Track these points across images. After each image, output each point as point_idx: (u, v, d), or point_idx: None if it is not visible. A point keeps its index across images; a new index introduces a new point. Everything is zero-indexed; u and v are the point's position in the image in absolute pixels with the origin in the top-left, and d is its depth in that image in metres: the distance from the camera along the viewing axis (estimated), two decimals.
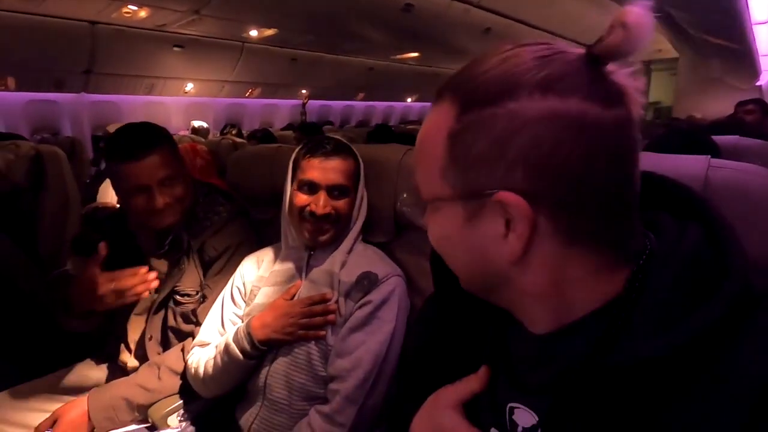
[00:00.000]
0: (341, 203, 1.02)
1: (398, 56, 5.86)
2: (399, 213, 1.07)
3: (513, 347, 0.49)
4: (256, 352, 0.99)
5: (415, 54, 5.75)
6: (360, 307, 0.97)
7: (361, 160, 1.07)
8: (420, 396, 0.55)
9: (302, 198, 1.01)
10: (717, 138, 1.30)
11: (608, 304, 0.40)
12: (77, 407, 1.06)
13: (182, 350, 1.15)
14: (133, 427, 1.11)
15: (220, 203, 1.23)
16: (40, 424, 1.06)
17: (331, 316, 0.98)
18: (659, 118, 6.71)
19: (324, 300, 0.99)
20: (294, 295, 1.02)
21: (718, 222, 0.41)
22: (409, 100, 8.96)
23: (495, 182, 0.39)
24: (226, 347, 1.00)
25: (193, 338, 1.14)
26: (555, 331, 0.43)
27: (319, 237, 1.02)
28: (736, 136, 1.39)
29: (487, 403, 0.49)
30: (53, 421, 1.05)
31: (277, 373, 1.01)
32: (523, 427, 0.45)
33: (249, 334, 0.99)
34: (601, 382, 0.39)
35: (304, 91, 6.63)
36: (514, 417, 0.46)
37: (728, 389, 0.34)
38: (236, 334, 1.00)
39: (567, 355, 0.42)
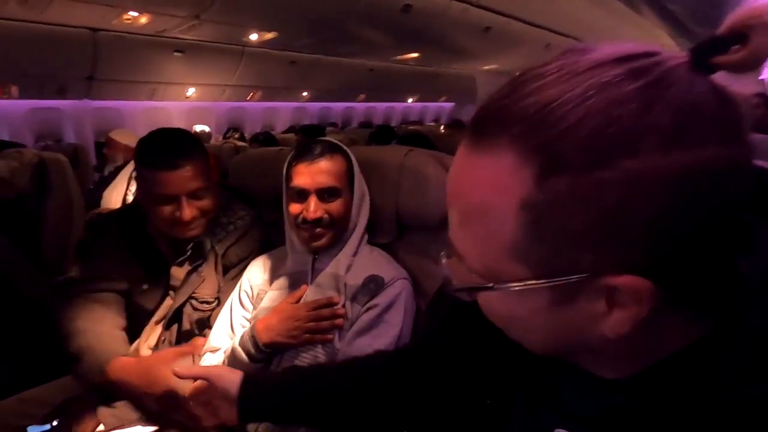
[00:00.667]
0: (333, 205, 1.00)
1: (398, 57, 5.86)
2: (401, 213, 1.07)
3: (561, 379, 0.42)
4: (261, 355, 0.99)
5: (416, 54, 5.75)
6: (367, 311, 0.97)
7: (354, 160, 1.05)
8: (426, 388, 0.53)
9: (294, 206, 1.00)
10: None
11: (692, 344, 0.34)
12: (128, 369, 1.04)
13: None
14: (140, 428, 1.11)
15: (242, 208, 1.23)
16: None
17: (339, 320, 0.97)
18: None
19: (331, 304, 0.99)
20: (299, 299, 1.02)
21: None
22: (410, 100, 8.97)
23: (604, 265, 0.30)
24: (233, 351, 1.00)
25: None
26: (622, 379, 0.37)
27: (316, 242, 1.01)
28: None
29: (530, 427, 0.44)
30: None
31: None
32: None
33: (254, 337, 0.98)
34: (681, 421, 0.33)
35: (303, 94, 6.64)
36: None
37: None
38: (242, 337, 1.00)
39: (643, 393, 0.36)
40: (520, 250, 0.32)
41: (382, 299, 0.97)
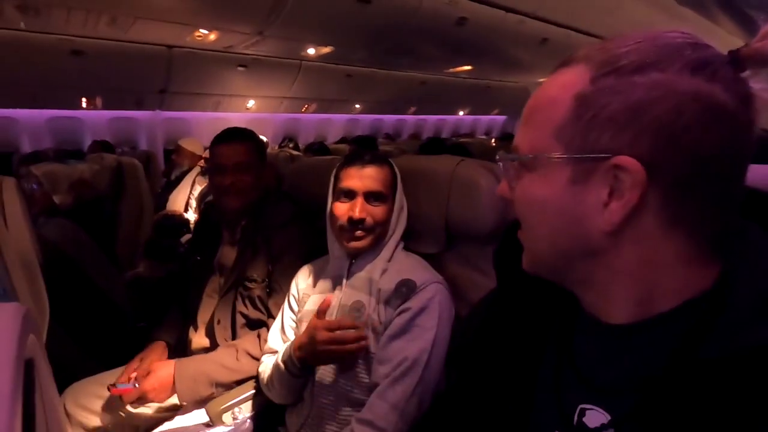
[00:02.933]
0: (378, 210, 1.04)
1: (451, 69, 5.85)
2: (450, 223, 1.07)
3: (582, 344, 0.48)
4: (300, 372, 1.02)
5: (468, 67, 5.72)
6: (399, 314, 0.97)
7: (397, 171, 1.09)
8: (471, 390, 0.54)
9: (340, 206, 1.04)
10: None
11: (698, 298, 0.39)
12: (166, 368, 1.17)
13: (258, 336, 1.24)
14: (192, 422, 1.18)
15: (287, 206, 1.38)
16: (129, 365, 1.22)
17: (363, 343, 0.97)
18: None
19: (354, 327, 0.99)
20: (324, 312, 1.02)
21: None
22: (461, 113, 8.90)
23: (617, 146, 0.39)
24: (278, 366, 1.05)
25: (267, 327, 1.22)
26: (636, 323, 0.42)
27: (357, 243, 1.04)
28: None
29: (552, 403, 0.48)
30: (138, 368, 1.21)
31: (323, 380, 1.03)
32: (593, 428, 0.43)
33: (290, 355, 1.03)
34: (692, 377, 0.37)
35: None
36: (584, 419, 0.44)
37: None
38: (285, 352, 1.05)
39: (650, 348, 0.41)
40: (562, 129, 0.41)
41: (414, 303, 0.96)
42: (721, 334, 0.37)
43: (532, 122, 0.45)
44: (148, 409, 1.21)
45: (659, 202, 0.38)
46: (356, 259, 1.07)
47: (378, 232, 1.05)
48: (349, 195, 1.04)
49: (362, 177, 1.04)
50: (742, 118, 0.38)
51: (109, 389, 1.17)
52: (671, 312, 0.40)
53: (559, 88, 0.43)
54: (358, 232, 1.03)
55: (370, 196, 1.03)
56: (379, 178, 1.04)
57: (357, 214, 1.01)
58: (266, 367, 1.12)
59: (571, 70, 0.43)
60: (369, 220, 1.03)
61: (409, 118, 8.20)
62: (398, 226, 1.08)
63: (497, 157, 0.49)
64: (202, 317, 1.33)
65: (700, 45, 0.39)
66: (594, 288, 0.44)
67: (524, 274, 0.49)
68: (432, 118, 8.59)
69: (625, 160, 0.38)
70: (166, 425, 1.17)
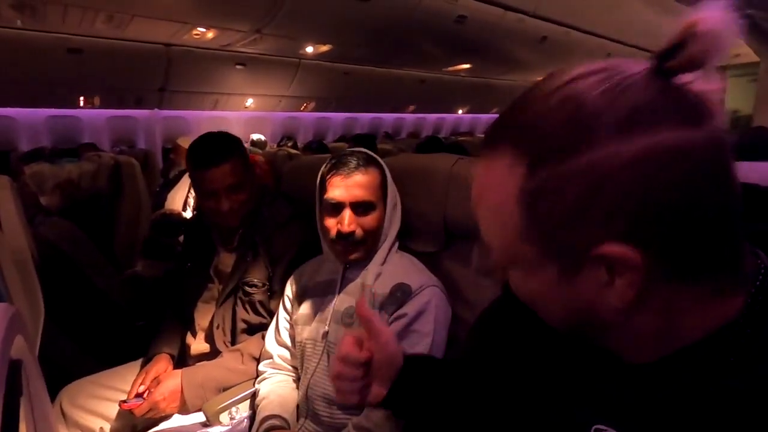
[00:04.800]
0: (368, 220, 1.00)
1: (450, 68, 5.85)
2: (448, 222, 1.06)
3: (597, 371, 0.45)
4: None
5: (467, 65, 5.72)
6: (395, 320, 0.95)
7: (386, 169, 1.04)
8: (480, 406, 0.53)
9: (329, 220, 1.01)
10: None
11: (721, 329, 0.37)
12: (173, 378, 1.16)
13: (263, 338, 1.22)
14: (189, 422, 1.17)
15: (284, 205, 1.34)
16: (135, 380, 1.19)
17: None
18: (737, 129, 6.16)
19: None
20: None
21: None
22: (460, 111, 8.90)
23: (592, 237, 0.35)
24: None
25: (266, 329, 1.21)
26: (658, 360, 0.40)
27: (350, 256, 1.01)
28: None
29: (563, 426, 0.46)
30: (144, 381, 1.18)
31: (316, 386, 1.02)
32: None
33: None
34: (710, 407, 0.36)
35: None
36: None
37: None
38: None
39: (672, 381, 0.39)
40: (524, 233, 0.38)
41: (410, 308, 0.94)
42: (742, 364, 0.35)
43: (489, 224, 0.41)
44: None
45: (659, 266, 0.35)
46: (350, 264, 1.05)
47: (370, 241, 1.02)
48: (337, 208, 0.99)
49: (348, 187, 0.99)
50: (705, 139, 0.33)
51: (119, 405, 1.16)
52: (692, 345, 0.38)
53: (497, 184, 0.38)
54: (353, 245, 1.00)
55: (358, 207, 0.99)
56: (365, 184, 0.99)
57: (345, 227, 0.97)
58: (264, 367, 1.12)
59: (501, 160, 0.38)
60: (359, 232, 0.99)
61: (409, 117, 8.19)
62: (392, 227, 1.05)
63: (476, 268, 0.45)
64: (201, 323, 1.31)
65: (620, 87, 0.34)
66: (616, 345, 0.42)
67: None
68: (431, 116, 8.59)
69: (607, 249, 0.34)
70: (163, 425, 1.16)
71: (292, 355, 1.13)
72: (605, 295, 0.37)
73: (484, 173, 0.40)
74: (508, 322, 0.55)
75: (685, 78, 0.34)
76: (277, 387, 1.10)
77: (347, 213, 0.98)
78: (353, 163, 1.00)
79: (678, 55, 0.33)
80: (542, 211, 0.36)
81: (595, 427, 0.43)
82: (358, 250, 1.01)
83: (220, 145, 1.24)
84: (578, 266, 0.37)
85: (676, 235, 0.34)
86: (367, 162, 1.02)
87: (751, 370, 0.35)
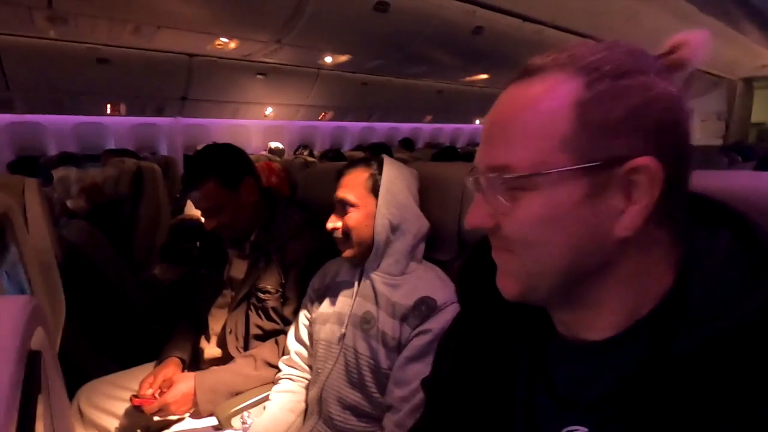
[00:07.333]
0: (347, 218, 1.03)
1: (467, 78, 5.85)
2: (463, 230, 1.05)
3: (558, 367, 0.47)
4: None
5: (485, 76, 5.71)
6: (417, 335, 0.94)
7: (385, 174, 1.03)
8: (445, 423, 0.53)
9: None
10: None
11: (665, 300, 0.41)
12: (186, 381, 1.17)
13: (276, 343, 1.24)
14: (201, 425, 1.18)
15: (297, 212, 1.35)
16: (144, 380, 1.20)
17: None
18: (763, 142, 5.98)
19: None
20: None
21: (748, 222, 0.42)
22: (477, 122, 8.87)
23: (630, 150, 0.39)
24: None
25: (285, 334, 1.22)
26: (615, 336, 0.42)
27: (343, 253, 1.05)
28: None
29: (526, 429, 0.46)
30: (153, 383, 1.20)
31: (331, 389, 1.02)
32: None
33: None
34: (663, 378, 0.38)
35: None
36: None
37: None
38: None
39: (629, 357, 0.41)
40: (568, 140, 0.40)
41: (434, 324, 0.93)
42: (686, 330, 0.38)
43: (521, 138, 0.41)
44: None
45: (658, 201, 0.39)
46: (365, 267, 1.06)
47: (356, 240, 1.02)
48: (334, 207, 1.06)
49: (340, 186, 1.05)
50: (689, 114, 0.41)
51: (130, 400, 1.18)
52: (647, 317, 0.41)
53: (549, 97, 0.40)
54: (338, 243, 1.05)
55: (344, 204, 1.03)
56: (351, 183, 1.04)
57: (329, 224, 1.04)
58: (284, 375, 1.14)
59: (548, 78, 0.41)
60: (339, 230, 1.03)
61: (425, 127, 8.20)
62: (396, 231, 1.01)
63: (478, 183, 0.45)
64: (214, 328, 1.33)
65: (647, 53, 0.42)
66: (585, 305, 0.43)
67: (490, 295, 0.47)
68: (448, 126, 8.58)
69: (644, 161, 0.38)
70: (176, 427, 1.18)
71: (309, 353, 1.14)
72: (614, 224, 0.40)
73: (523, 91, 0.43)
74: (468, 336, 0.55)
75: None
76: (276, 409, 1.11)
77: (336, 210, 1.05)
78: (350, 163, 1.07)
79: (673, 57, 0.42)
80: (595, 118, 0.39)
81: (565, 429, 0.44)
82: (346, 248, 1.04)
83: (196, 168, 1.25)
84: (606, 183, 0.39)
85: (679, 173, 0.40)
86: (361, 162, 1.07)
87: (692, 335, 0.37)
